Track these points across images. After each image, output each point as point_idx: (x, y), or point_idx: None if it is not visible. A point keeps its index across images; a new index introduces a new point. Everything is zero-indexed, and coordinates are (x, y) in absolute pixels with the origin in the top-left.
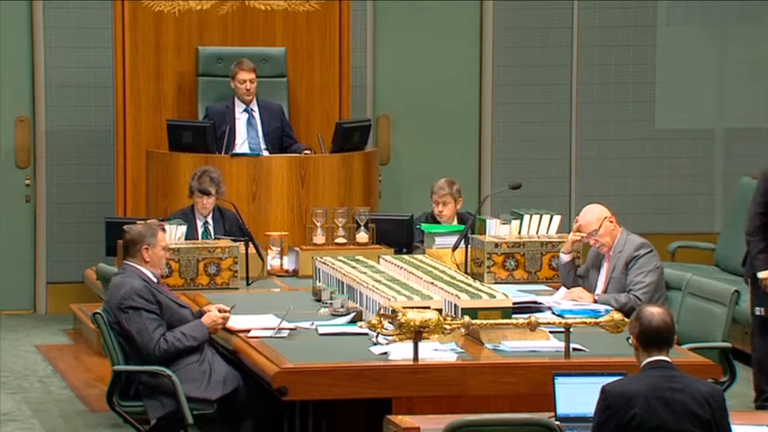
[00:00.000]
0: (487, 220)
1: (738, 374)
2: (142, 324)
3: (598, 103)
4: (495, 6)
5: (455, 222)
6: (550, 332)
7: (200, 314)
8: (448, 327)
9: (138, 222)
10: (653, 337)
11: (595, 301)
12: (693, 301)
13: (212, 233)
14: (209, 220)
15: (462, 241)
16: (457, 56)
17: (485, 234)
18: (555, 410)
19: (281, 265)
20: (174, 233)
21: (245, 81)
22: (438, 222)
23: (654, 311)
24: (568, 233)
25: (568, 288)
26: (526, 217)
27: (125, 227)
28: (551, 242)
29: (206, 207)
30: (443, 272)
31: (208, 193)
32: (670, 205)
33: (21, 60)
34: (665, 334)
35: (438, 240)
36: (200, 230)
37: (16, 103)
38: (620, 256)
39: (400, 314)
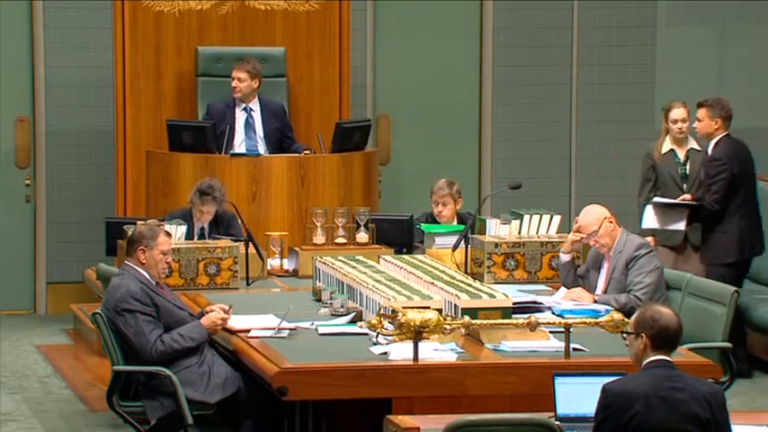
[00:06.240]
0: (487, 220)
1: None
2: (138, 327)
3: (598, 103)
4: (495, 6)
5: (455, 222)
6: (550, 332)
7: (201, 315)
8: (448, 327)
9: (140, 222)
10: (668, 340)
11: (595, 302)
12: (693, 301)
13: (207, 238)
14: (206, 225)
15: (462, 241)
16: (457, 56)
17: (485, 234)
18: (555, 410)
19: (281, 265)
20: (174, 233)
21: (233, 78)
22: (438, 223)
23: (669, 314)
24: (568, 233)
25: (568, 288)
26: (526, 217)
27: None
28: (551, 242)
29: (210, 213)
30: (443, 272)
31: (213, 199)
32: None
33: (21, 60)
34: (679, 336)
35: (438, 240)
36: (196, 236)
37: (16, 103)
38: (620, 257)
39: (400, 314)
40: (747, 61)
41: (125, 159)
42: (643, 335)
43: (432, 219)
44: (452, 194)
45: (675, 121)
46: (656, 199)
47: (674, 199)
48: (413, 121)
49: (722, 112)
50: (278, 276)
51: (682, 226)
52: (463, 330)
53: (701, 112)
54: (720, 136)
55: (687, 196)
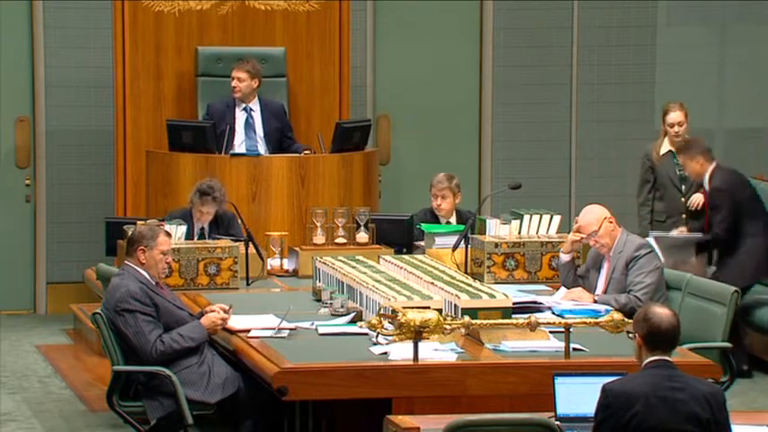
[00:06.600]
0: (487, 220)
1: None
2: (138, 327)
3: (598, 103)
4: (495, 6)
5: (454, 217)
6: (550, 332)
7: (201, 315)
8: (448, 327)
9: (140, 222)
10: (661, 340)
11: (595, 302)
12: (693, 301)
13: (207, 238)
14: (206, 225)
15: (462, 241)
16: (457, 56)
17: (485, 234)
18: (555, 410)
19: (281, 265)
20: (174, 233)
21: (233, 78)
22: (437, 216)
23: (663, 313)
24: (568, 233)
25: (568, 288)
26: (526, 217)
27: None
28: (551, 242)
29: (210, 213)
30: (443, 272)
31: (213, 200)
32: None
33: (21, 60)
34: (674, 336)
35: (438, 240)
36: (196, 236)
37: (16, 103)
38: (620, 257)
39: (400, 314)
40: (747, 61)
41: (125, 159)
42: (636, 335)
43: (431, 213)
44: (451, 188)
45: (672, 125)
46: (655, 233)
47: (674, 199)
48: (413, 121)
49: (698, 149)
50: (278, 276)
51: (692, 260)
52: (463, 330)
53: (681, 159)
54: (711, 169)
55: (683, 228)
